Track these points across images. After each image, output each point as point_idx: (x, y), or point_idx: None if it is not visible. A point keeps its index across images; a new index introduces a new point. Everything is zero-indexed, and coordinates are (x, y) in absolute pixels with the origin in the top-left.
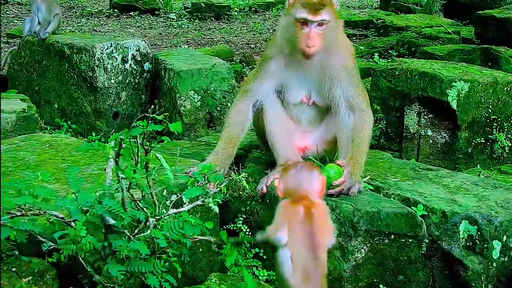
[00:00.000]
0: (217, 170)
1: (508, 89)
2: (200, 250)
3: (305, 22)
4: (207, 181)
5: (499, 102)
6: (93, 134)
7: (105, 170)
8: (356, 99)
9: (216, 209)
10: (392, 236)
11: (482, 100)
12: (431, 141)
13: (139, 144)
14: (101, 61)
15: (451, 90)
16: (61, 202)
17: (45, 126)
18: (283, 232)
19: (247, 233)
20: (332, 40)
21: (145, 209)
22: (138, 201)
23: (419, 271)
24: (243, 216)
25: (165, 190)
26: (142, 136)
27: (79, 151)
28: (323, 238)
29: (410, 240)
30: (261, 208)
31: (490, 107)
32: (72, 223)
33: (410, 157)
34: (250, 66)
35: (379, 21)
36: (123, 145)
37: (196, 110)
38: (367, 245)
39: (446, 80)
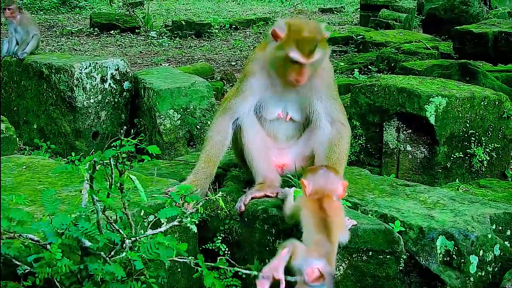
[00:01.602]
0: (197, 190)
1: (485, 103)
2: (179, 270)
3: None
4: (184, 201)
5: (477, 117)
6: (73, 154)
7: (81, 192)
8: (336, 113)
9: (194, 229)
10: (370, 253)
11: (460, 115)
12: (410, 156)
13: (112, 166)
14: (80, 80)
15: (429, 105)
16: (36, 225)
17: (24, 147)
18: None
19: (226, 252)
20: (319, 67)
21: (121, 230)
22: (113, 223)
23: (397, 287)
24: (221, 235)
25: (142, 211)
26: (116, 157)
27: (54, 173)
28: (336, 226)
29: (388, 257)
30: (240, 226)
31: (468, 121)
32: (48, 246)
33: (390, 172)
34: (230, 84)
35: (358, 37)
36: (97, 167)
37: (176, 129)
38: (346, 262)
39: (424, 95)
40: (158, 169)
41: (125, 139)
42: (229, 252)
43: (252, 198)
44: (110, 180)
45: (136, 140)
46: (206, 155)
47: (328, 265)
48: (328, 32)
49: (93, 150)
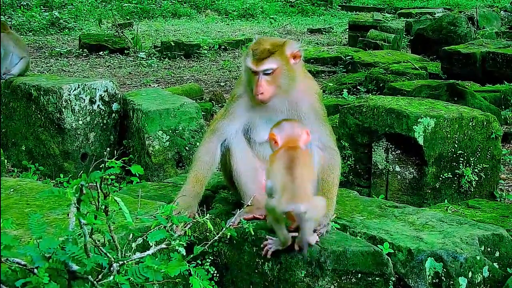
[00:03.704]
0: (184, 212)
1: (474, 124)
2: None
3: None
4: (172, 223)
5: (465, 137)
6: (61, 176)
7: (68, 215)
8: (326, 138)
9: (183, 251)
10: (359, 275)
11: (448, 135)
12: (399, 176)
13: (98, 189)
14: (69, 102)
15: (417, 126)
16: (23, 249)
17: (12, 169)
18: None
19: (214, 274)
20: (288, 85)
21: (108, 254)
22: (100, 247)
23: None
24: (210, 257)
25: (131, 234)
26: (102, 179)
27: (41, 197)
28: (304, 166)
29: (377, 279)
30: (228, 249)
31: (456, 142)
32: (35, 270)
33: (379, 193)
34: (220, 104)
35: (347, 58)
36: (84, 191)
37: (164, 150)
38: (335, 284)
39: (412, 116)
40: (147, 191)
41: (110, 160)
42: (217, 275)
43: (241, 220)
44: (97, 203)
45: (120, 161)
46: (194, 175)
47: (298, 205)
48: (297, 49)
49: (81, 171)
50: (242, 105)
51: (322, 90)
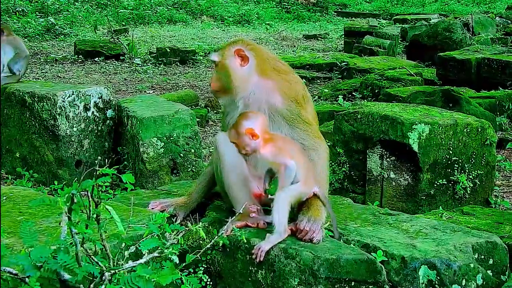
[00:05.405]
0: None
1: (468, 130)
2: None
3: None
4: (164, 232)
5: (460, 144)
6: (56, 183)
7: (60, 224)
8: (302, 142)
9: (176, 260)
10: (353, 283)
11: (443, 142)
12: (394, 183)
13: (90, 197)
14: (63, 109)
15: (412, 132)
16: (14, 257)
17: (7, 176)
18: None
19: (208, 283)
20: (231, 82)
21: (100, 263)
22: (92, 256)
23: None
24: (204, 266)
25: (124, 243)
26: (93, 188)
27: (32, 206)
28: None
29: (370, 287)
30: (222, 257)
31: (451, 148)
32: (27, 279)
33: (374, 199)
34: (215, 111)
35: (343, 64)
36: (75, 200)
37: (159, 157)
38: None
39: (406, 123)
40: (140, 199)
41: (102, 169)
42: (211, 283)
43: (234, 228)
44: (88, 212)
45: (112, 169)
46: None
47: None
48: (239, 47)
49: (76, 178)
50: (228, 114)
51: (306, 93)
